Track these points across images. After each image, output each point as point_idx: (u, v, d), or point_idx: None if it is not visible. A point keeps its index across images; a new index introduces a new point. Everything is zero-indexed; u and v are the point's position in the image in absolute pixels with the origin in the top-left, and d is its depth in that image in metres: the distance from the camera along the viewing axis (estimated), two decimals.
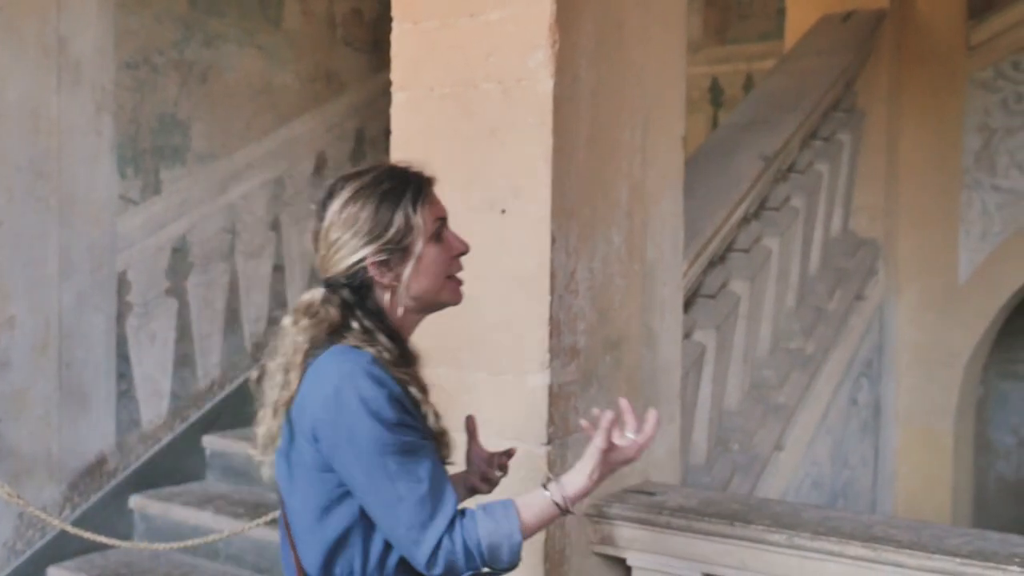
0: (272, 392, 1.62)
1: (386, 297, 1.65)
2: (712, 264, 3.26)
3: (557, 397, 2.40)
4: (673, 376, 2.90)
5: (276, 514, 3.12)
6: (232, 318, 4.69)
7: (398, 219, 1.62)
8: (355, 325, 1.60)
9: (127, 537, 4.16)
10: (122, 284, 4.22)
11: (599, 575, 2.57)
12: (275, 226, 4.85)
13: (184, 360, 4.49)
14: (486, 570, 1.55)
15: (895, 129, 4.52)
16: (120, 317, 4.22)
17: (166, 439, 4.43)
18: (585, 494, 1.63)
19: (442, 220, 1.70)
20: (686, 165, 3.48)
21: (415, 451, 1.52)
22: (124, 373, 4.25)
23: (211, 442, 4.56)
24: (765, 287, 3.63)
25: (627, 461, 1.65)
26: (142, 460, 4.34)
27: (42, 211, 3.90)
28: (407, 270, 1.63)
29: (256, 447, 1.66)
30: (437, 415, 1.64)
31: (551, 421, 2.38)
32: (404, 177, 1.68)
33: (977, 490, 6.44)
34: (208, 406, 4.59)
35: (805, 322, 3.96)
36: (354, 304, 1.62)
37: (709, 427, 3.31)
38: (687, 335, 3.22)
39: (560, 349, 2.40)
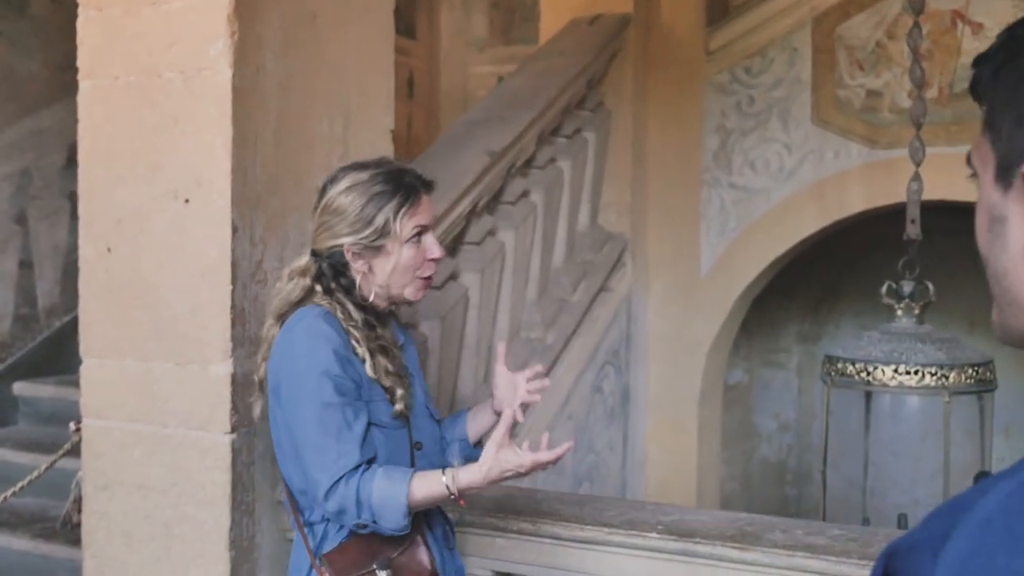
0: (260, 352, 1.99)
1: (359, 278, 1.91)
2: None
3: (243, 386, 2.41)
4: None
5: None
6: None
7: (378, 221, 1.88)
8: (318, 289, 1.90)
9: None
10: None
11: None
12: (21, 220, 4.66)
13: None
14: (374, 524, 1.77)
15: (641, 128, 4.73)
16: None
17: None
18: (476, 487, 1.80)
19: (423, 227, 1.92)
20: (418, 160, 3.57)
21: (336, 403, 1.78)
22: None
23: None
24: (499, 279, 3.74)
25: (518, 471, 1.79)
26: None
27: None
28: (378, 264, 1.90)
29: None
30: (388, 371, 1.87)
31: (235, 410, 2.39)
32: (398, 182, 1.91)
33: (743, 472, 6.83)
34: None
35: (547, 313, 4.10)
36: (329, 276, 1.91)
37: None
38: (413, 325, 3.29)
39: (245, 338, 2.41)
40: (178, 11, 2.40)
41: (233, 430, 2.40)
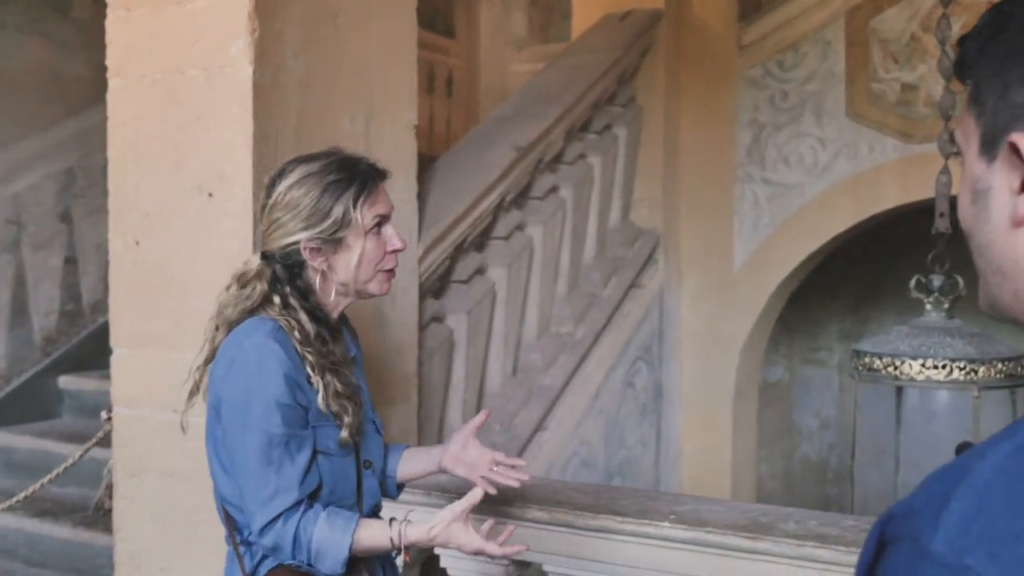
0: (197, 355, 1.84)
1: (317, 278, 1.77)
2: (463, 250, 3.37)
3: None
4: (407, 357, 3.00)
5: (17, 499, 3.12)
6: (19, 311, 4.61)
7: (336, 212, 1.74)
8: (276, 300, 1.74)
9: None
10: None
11: None
12: (66, 218, 4.78)
13: None
14: (309, 567, 1.68)
15: (673, 124, 4.73)
16: None
17: None
18: (420, 544, 1.75)
19: (383, 217, 1.80)
20: (446, 155, 3.61)
21: (279, 433, 1.66)
22: None
23: None
24: (527, 274, 3.76)
25: (464, 547, 1.73)
26: None
27: None
28: (339, 259, 1.77)
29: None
30: (338, 394, 1.73)
31: None
32: (353, 171, 1.78)
33: (784, 471, 6.78)
34: None
35: (577, 308, 4.12)
36: (284, 280, 1.76)
37: (464, 408, 3.42)
38: (439, 320, 3.33)
39: None
40: (201, 10, 2.46)
41: None
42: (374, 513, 1.88)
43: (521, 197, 3.76)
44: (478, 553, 1.75)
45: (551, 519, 2.29)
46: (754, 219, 4.73)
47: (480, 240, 3.53)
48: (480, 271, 3.52)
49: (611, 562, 2.25)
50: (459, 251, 3.34)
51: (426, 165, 3.43)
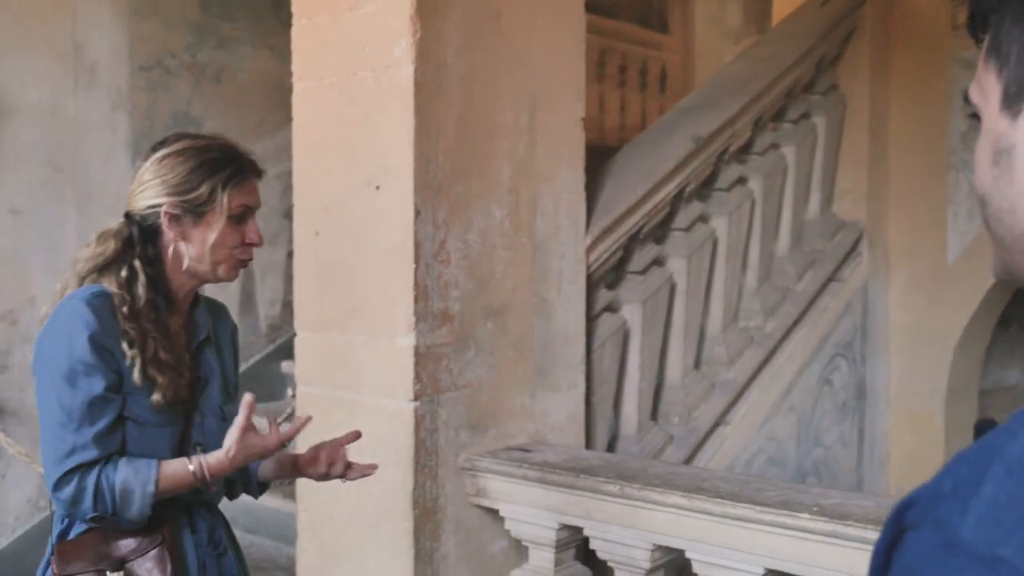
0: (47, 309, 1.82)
1: (170, 248, 1.79)
2: (639, 241, 3.39)
3: (425, 358, 2.61)
4: (574, 345, 3.06)
5: None
6: (247, 301, 5.04)
7: (204, 187, 1.76)
8: (124, 270, 1.75)
9: None
10: None
11: (479, 525, 2.77)
12: (289, 215, 5.15)
13: None
14: (113, 517, 1.68)
15: (880, 111, 4.52)
16: None
17: None
18: (223, 471, 1.73)
19: (247, 208, 1.82)
20: (625, 148, 3.64)
21: (82, 393, 1.66)
22: None
23: None
24: (710, 265, 3.72)
25: (265, 449, 1.75)
26: None
27: (59, 201, 4.33)
28: (195, 234, 1.78)
29: None
30: (158, 361, 1.73)
31: (418, 379, 2.60)
32: (231, 157, 1.82)
33: None
34: None
35: (768, 302, 4.03)
36: (138, 242, 1.78)
37: (639, 399, 3.44)
38: (614, 310, 3.37)
39: (428, 313, 2.61)
40: (371, 14, 2.63)
41: (416, 398, 2.60)
42: (199, 497, 1.86)
43: (704, 188, 3.73)
44: (279, 446, 1.76)
45: (690, 505, 2.29)
46: (970, 209, 4.43)
47: (659, 231, 3.54)
48: (658, 262, 3.52)
49: (751, 551, 2.23)
50: (634, 242, 3.36)
51: None
